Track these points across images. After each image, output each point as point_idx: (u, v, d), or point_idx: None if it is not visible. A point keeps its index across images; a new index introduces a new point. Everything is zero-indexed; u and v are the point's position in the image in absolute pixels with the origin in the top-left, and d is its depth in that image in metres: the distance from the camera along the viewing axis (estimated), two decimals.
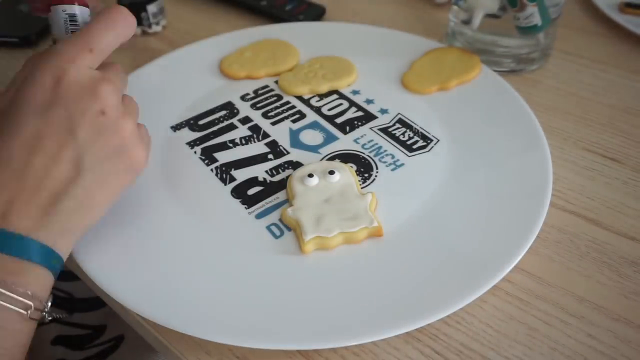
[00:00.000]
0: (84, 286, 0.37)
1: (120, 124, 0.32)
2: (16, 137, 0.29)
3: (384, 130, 0.44)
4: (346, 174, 0.39)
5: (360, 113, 0.46)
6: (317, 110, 0.47)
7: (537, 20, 0.48)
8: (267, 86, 0.49)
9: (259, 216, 0.38)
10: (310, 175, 0.38)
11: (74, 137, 0.30)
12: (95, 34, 0.32)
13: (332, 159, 0.42)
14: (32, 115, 0.30)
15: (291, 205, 0.37)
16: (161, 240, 0.36)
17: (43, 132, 0.30)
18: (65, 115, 0.30)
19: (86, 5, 0.35)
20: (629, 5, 0.59)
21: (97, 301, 0.56)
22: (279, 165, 0.42)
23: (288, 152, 0.43)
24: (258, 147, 0.43)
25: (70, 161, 0.30)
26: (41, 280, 0.29)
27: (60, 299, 0.55)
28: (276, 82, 0.50)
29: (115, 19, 0.33)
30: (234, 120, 0.46)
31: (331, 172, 0.39)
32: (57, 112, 0.30)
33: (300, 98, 0.48)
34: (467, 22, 0.51)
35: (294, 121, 0.46)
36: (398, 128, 0.45)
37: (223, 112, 0.47)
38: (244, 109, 0.47)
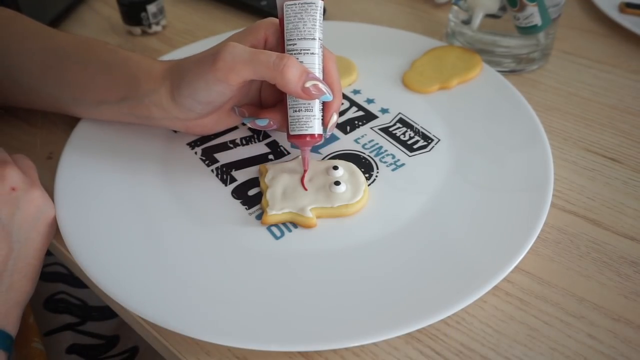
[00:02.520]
0: (94, 290, 0.37)
1: (30, 195, 0.36)
2: None
3: (385, 130, 0.44)
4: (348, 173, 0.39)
5: (360, 113, 0.46)
6: None
7: (537, 20, 0.48)
8: None
9: (259, 217, 0.38)
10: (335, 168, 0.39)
11: None
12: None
13: (332, 158, 0.42)
14: None
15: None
16: (161, 241, 0.36)
17: None
18: None
19: None
20: (629, 5, 0.59)
21: (110, 310, 0.56)
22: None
23: (288, 153, 0.43)
24: (258, 148, 0.43)
25: (2, 241, 0.34)
26: None
27: (74, 306, 0.55)
28: None
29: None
30: None
31: (335, 168, 0.39)
32: None
33: None
34: (467, 22, 0.51)
35: None
36: (399, 128, 0.45)
37: None
38: None
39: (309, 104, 0.37)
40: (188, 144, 0.44)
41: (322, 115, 0.38)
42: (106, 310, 0.56)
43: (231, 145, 0.43)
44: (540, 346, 0.32)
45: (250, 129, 0.45)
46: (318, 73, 0.37)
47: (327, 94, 0.36)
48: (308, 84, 0.35)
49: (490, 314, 0.33)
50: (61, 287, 0.54)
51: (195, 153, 0.43)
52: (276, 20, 0.39)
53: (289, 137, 0.38)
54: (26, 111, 0.49)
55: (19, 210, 0.35)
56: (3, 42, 0.44)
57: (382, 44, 0.54)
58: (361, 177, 0.39)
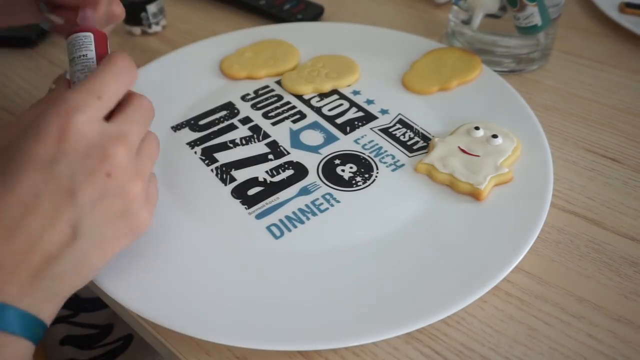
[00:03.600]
0: (88, 285, 0.37)
1: (126, 188, 0.29)
2: (12, 193, 0.26)
3: (385, 131, 0.44)
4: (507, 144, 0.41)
5: (360, 113, 0.46)
6: (318, 110, 0.47)
7: (537, 20, 0.48)
8: (267, 86, 0.49)
9: (259, 216, 0.38)
10: (495, 136, 0.41)
11: (74, 199, 0.27)
12: (104, 81, 0.29)
13: (332, 159, 0.42)
14: (32, 171, 0.27)
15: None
16: (161, 240, 0.36)
17: (41, 190, 0.27)
18: (67, 174, 0.27)
19: (104, 37, 0.34)
20: (629, 5, 0.59)
21: (101, 301, 0.56)
22: (279, 166, 0.42)
23: (288, 153, 0.43)
24: (258, 148, 0.43)
25: (68, 224, 0.27)
26: (19, 353, 0.26)
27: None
28: (277, 82, 0.50)
29: (121, 66, 0.30)
30: (235, 121, 0.46)
31: (494, 136, 0.41)
32: (59, 169, 0.27)
33: (300, 98, 0.48)
34: (467, 22, 0.51)
35: (294, 121, 0.46)
36: (398, 128, 0.45)
37: (223, 113, 0.47)
38: (245, 109, 0.47)
39: None
40: (188, 144, 0.44)
41: None
42: (98, 302, 0.56)
43: (231, 145, 0.43)
44: (540, 346, 0.31)
45: (251, 128, 0.45)
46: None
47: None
48: None
49: (490, 314, 0.33)
50: None
51: (195, 152, 0.43)
52: None
53: None
54: (19, 105, 0.49)
55: (103, 201, 0.28)
56: None
57: (382, 46, 0.54)
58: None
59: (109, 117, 0.29)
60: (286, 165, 0.42)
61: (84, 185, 0.27)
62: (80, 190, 0.27)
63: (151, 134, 0.32)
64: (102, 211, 0.28)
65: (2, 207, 0.26)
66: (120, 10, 0.37)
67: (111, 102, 0.29)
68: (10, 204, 0.26)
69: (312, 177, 0.41)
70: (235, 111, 0.47)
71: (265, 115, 0.46)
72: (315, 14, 0.61)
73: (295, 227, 0.37)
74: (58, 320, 0.54)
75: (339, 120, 0.46)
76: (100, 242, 0.29)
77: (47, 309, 0.28)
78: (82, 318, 0.55)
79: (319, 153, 0.43)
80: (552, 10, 0.48)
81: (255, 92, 0.49)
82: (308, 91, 0.48)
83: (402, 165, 0.41)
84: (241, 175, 0.41)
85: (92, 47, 0.33)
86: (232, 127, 0.45)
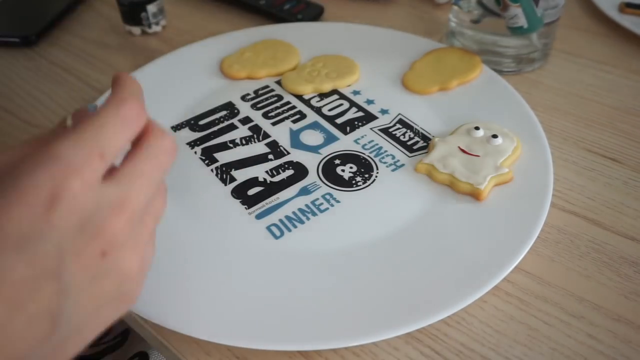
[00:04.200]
0: None
1: (122, 267, 0.24)
2: None
3: (385, 131, 0.44)
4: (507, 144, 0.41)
5: (360, 113, 0.46)
6: (318, 110, 0.47)
7: (522, 22, 0.48)
8: (267, 86, 0.49)
9: (259, 216, 0.38)
10: (495, 136, 0.41)
11: (58, 285, 0.21)
12: (108, 133, 0.23)
13: (332, 159, 0.42)
14: (10, 251, 0.20)
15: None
16: (161, 240, 0.36)
17: (21, 276, 0.21)
18: (53, 254, 0.21)
19: None
20: (629, 5, 0.59)
21: None
22: (279, 166, 0.42)
23: (288, 153, 0.43)
24: (258, 148, 0.43)
25: (48, 316, 0.21)
26: None
27: None
28: (277, 82, 0.50)
29: (130, 115, 0.24)
30: (235, 121, 0.46)
31: (494, 136, 0.41)
32: (45, 248, 0.21)
33: (300, 98, 0.48)
34: (475, 21, 0.51)
35: (294, 121, 0.46)
36: (398, 128, 0.45)
37: (223, 113, 0.47)
38: (245, 109, 0.47)
39: None
40: (188, 144, 0.44)
41: None
42: None
43: (231, 145, 0.43)
44: (540, 346, 0.31)
45: (251, 128, 0.45)
46: None
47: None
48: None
49: (490, 314, 0.33)
50: None
51: (195, 153, 0.43)
52: None
53: None
54: (26, 111, 0.49)
55: (91, 285, 0.23)
56: None
57: (382, 46, 0.54)
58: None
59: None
60: (286, 165, 0.42)
61: (73, 267, 0.22)
62: (67, 273, 0.22)
63: (162, 197, 0.27)
64: (90, 297, 0.23)
65: None
66: None
67: (113, 157, 0.24)
68: None
69: (312, 177, 0.41)
70: (235, 111, 0.47)
71: (265, 115, 0.46)
72: (315, 14, 0.61)
73: (295, 227, 0.37)
74: None
75: (339, 120, 0.46)
76: (82, 329, 0.23)
77: None
78: None
79: (319, 153, 0.43)
80: (550, 12, 0.48)
81: (255, 92, 0.49)
82: (308, 91, 0.48)
83: (402, 165, 0.41)
84: (241, 175, 0.41)
85: None
86: (232, 127, 0.45)
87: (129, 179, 0.24)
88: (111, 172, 0.24)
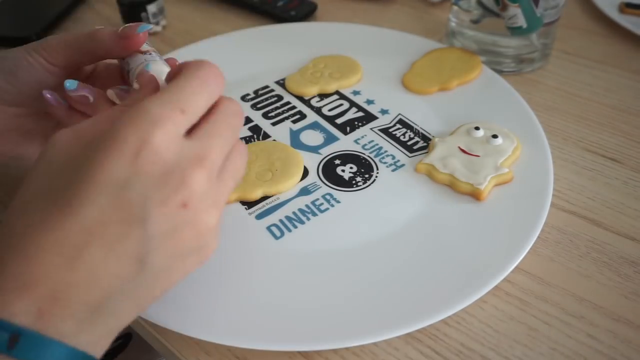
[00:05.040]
0: None
1: (202, 220, 0.26)
2: (76, 218, 0.23)
3: (385, 131, 0.44)
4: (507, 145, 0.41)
5: (360, 113, 0.46)
6: (318, 110, 0.47)
7: (521, 22, 0.48)
8: (267, 86, 0.49)
9: (259, 217, 0.38)
10: (495, 137, 0.41)
11: (144, 231, 0.24)
12: (189, 91, 0.26)
13: (332, 159, 0.42)
14: (100, 194, 0.23)
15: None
16: None
17: (109, 217, 0.23)
18: (139, 201, 0.24)
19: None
20: (629, 5, 0.59)
21: None
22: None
23: None
24: None
25: (134, 257, 0.24)
26: None
27: None
28: (277, 82, 0.50)
29: (208, 74, 0.27)
30: None
31: (494, 136, 0.41)
32: (130, 195, 0.24)
33: (300, 98, 0.48)
34: (475, 21, 0.51)
35: (294, 122, 0.46)
36: (398, 129, 0.45)
37: None
38: (245, 110, 0.47)
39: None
40: None
41: None
42: None
43: None
44: (540, 346, 0.32)
45: (251, 128, 0.45)
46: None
47: (142, 25, 0.33)
48: (121, 29, 0.33)
49: (490, 314, 0.33)
50: None
51: None
52: None
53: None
54: None
55: (173, 233, 0.25)
56: None
57: (382, 46, 0.54)
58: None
59: (190, 129, 0.26)
60: None
61: (157, 215, 0.24)
62: (151, 220, 0.24)
63: (238, 145, 0.29)
64: (172, 245, 0.25)
65: (64, 233, 0.23)
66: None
67: (195, 117, 0.26)
68: (73, 230, 0.23)
69: (312, 177, 0.41)
70: None
71: (265, 116, 0.46)
72: (308, 11, 0.61)
73: (295, 227, 0.37)
74: None
75: (339, 121, 0.46)
76: (166, 275, 0.26)
77: (101, 345, 0.25)
78: None
79: (319, 153, 0.43)
80: (550, 12, 0.48)
81: (255, 92, 0.49)
82: (313, 92, 0.48)
83: (402, 165, 0.41)
84: None
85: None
86: None
87: (207, 136, 0.26)
88: (191, 131, 0.26)
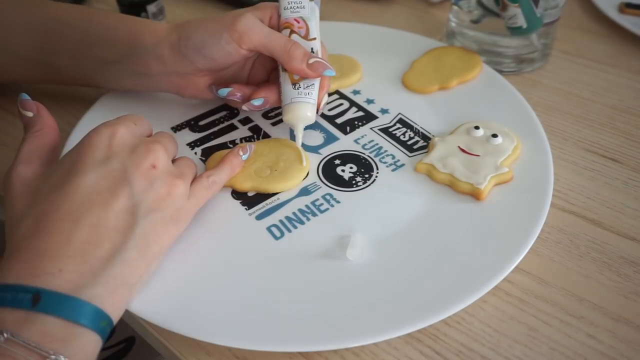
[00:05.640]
0: None
1: (169, 180, 0.33)
2: (75, 190, 0.30)
3: (385, 131, 0.44)
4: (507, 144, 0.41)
5: (360, 113, 0.46)
6: None
7: (521, 22, 0.48)
8: None
9: (259, 217, 0.38)
10: (495, 136, 0.41)
11: (129, 188, 0.31)
12: (135, 118, 0.35)
13: (332, 159, 0.42)
14: (90, 170, 0.31)
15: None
16: None
17: (100, 184, 0.30)
18: (120, 167, 0.31)
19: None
20: (629, 5, 0.59)
21: None
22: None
23: None
24: None
25: (126, 211, 0.31)
26: (89, 347, 0.28)
27: None
28: None
29: (141, 117, 0.36)
30: (235, 121, 0.46)
31: (494, 135, 0.41)
32: (113, 165, 0.31)
33: None
34: (475, 21, 0.51)
35: None
36: (398, 128, 0.45)
37: (223, 113, 0.47)
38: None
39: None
40: (188, 144, 0.44)
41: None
42: None
43: (231, 146, 0.43)
44: (540, 346, 0.32)
45: (251, 128, 0.45)
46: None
47: (330, 68, 0.40)
48: (312, 61, 0.39)
49: (490, 314, 0.33)
50: None
51: (195, 153, 0.43)
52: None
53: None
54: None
55: (151, 188, 0.32)
56: None
57: (382, 45, 0.54)
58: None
59: None
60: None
61: (136, 175, 0.32)
62: (133, 179, 0.31)
63: (186, 158, 0.37)
64: (152, 198, 0.32)
65: (68, 204, 0.29)
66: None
67: (142, 130, 0.35)
68: (74, 200, 0.30)
69: (312, 178, 0.41)
70: (235, 111, 0.47)
71: (265, 116, 0.46)
72: None
73: (295, 227, 0.37)
74: None
75: (338, 120, 0.46)
76: (154, 228, 0.32)
77: (115, 301, 0.29)
78: None
79: (319, 153, 0.43)
80: (550, 12, 0.48)
81: None
82: None
83: (402, 165, 0.41)
84: None
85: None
86: (232, 128, 0.45)
87: (155, 136, 0.36)
88: None
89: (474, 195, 0.38)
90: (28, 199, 0.31)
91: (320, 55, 0.41)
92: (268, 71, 0.44)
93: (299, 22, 0.41)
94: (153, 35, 0.41)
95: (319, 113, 0.43)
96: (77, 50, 0.42)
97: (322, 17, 0.62)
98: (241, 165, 0.39)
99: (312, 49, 0.41)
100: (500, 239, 0.35)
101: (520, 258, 0.34)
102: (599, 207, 0.40)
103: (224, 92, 0.42)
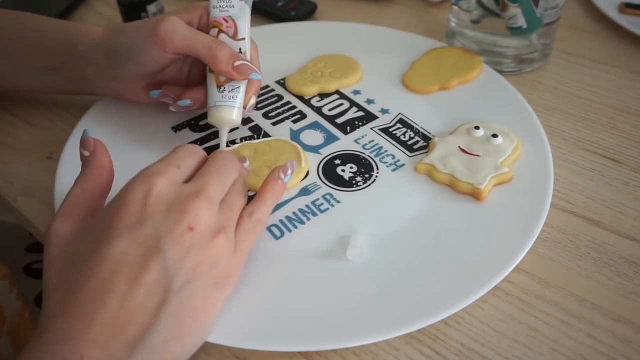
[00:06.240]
0: None
1: (211, 240, 0.29)
2: (101, 261, 0.26)
3: (385, 131, 0.44)
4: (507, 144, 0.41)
5: (360, 113, 0.46)
6: (318, 110, 0.47)
7: (521, 22, 0.48)
8: (267, 86, 0.49)
9: None
10: (495, 136, 0.41)
11: (161, 258, 0.27)
12: (180, 156, 0.32)
13: (332, 159, 0.42)
14: (118, 237, 0.27)
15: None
16: None
17: (128, 253, 0.27)
18: (151, 233, 0.27)
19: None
20: (629, 5, 0.59)
21: None
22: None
23: None
24: None
25: (158, 285, 0.27)
26: None
27: None
28: (277, 82, 0.50)
29: (194, 148, 0.33)
30: None
31: (494, 135, 0.41)
32: (144, 231, 0.27)
33: (301, 98, 0.48)
34: (475, 21, 0.51)
35: (294, 121, 0.46)
36: (399, 128, 0.45)
37: None
38: None
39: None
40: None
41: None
42: None
43: (231, 145, 0.43)
44: (540, 346, 0.32)
45: (251, 128, 0.45)
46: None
47: (256, 72, 0.39)
48: (237, 63, 0.39)
49: (490, 314, 0.33)
50: None
51: None
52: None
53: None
54: (26, 111, 0.49)
55: (188, 255, 0.28)
56: None
57: (382, 45, 0.54)
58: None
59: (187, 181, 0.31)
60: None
61: (169, 242, 0.27)
62: (166, 248, 0.27)
63: (236, 185, 0.33)
64: (191, 267, 0.28)
65: (93, 279, 0.26)
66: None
67: (188, 170, 0.32)
68: (100, 273, 0.26)
69: (312, 177, 0.41)
70: None
71: (266, 115, 0.46)
72: (308, 11, 0.61)
73: (295, 227, 0.37)
74: None
75: (339, 120, 0.46)
76: (191, 300, 0.28)
77: None
78: None
79: (319, 153, 0.43)
80: (550, 12, 0.48)
81: None
82: (314, 92, 0.48)
83: (403, 165, 0.41)
84: None
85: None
86: (234, 127, 0.45)
87: (199, 177, 0.31)
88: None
89: (474, 195, 0.38)
90: (61, 265, 0.28)
91: (249, 56, 0.41)
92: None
93: (227, 22, 0.41)
94: (86, 40, 0.41)
95: (246, 115, 0.44)
96: (14, 54, 0.42)
97: (323, 18, 0.62)
98: (284, 189, 0.35)
99: (240, 49, 0.40)
100: (500, 238, 0.35)
101: (520, 258, 0.34)
102: (599, 207, 0.40)
103: (154, 93, 0.42)
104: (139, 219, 0.28)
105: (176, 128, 0.45)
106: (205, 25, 0.42)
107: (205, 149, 0.43)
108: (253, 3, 0.61)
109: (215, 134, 0.44)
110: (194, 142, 0.44)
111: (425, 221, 0.37)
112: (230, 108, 0.40)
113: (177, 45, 0.38)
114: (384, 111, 0.46)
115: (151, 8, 0.58)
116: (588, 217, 0.39)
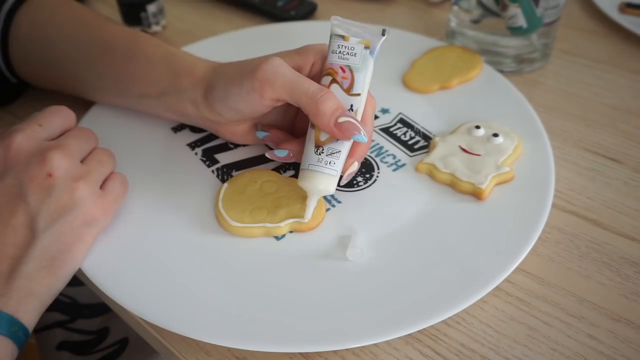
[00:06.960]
0: (88, 291, 0.37)
1: (71, 185, 0.33)
2: None
3: (385, 130, 0.44)
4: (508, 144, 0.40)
5: None
6: None
7: (521, 22, 0.48)
8: None
9: None
10: (496, 135, 0.41)
11: (25, 202, 0.31)
12: (45, 115, 0.35)
13: None
14: None
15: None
16: (161, 242, 0.36)
17: None
18: (14, 183, 0.32)
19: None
20: (629, 5, 0.59)
21: (100, 308, 0.57)
22: (280, 167, 0.42)
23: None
24: (259, 149, 0.43)
25: (25, 226, 0.31)
26: (1, 352, 0.29)
27: (64, 304, 0.56)
28: None
29: (62, 110, 0.36)
30: None
31: (495, 135, 0.41)
32: (7, 182, 0.32)
33: None
34: (475, 21, 0.51)
35: None
36: (399, 128, 0.45)
37: None
38: None
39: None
40: (188, 145, 0.44)
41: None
42: (97, 308, 0.56)
43: (232, 146, 0.43)
44: (540, 346, 0.32)
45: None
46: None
47: (361, 134, 0.34)
48: (342, 120, 0.33)
49: (490, 314, 0.33)
50: None
51: (196, 154, 0.43)
52: (326, 48, 0.38)
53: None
54: (27, 111, 0.49)
55: (49, 198, 0.32)
56: (53, 29, 0.44)
57: (381, 44, 0.53)
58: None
59: None
60: (287, 166, 0.42)
61: (31, 188, 0.32)
62: (28, 193, 0.32)
63: (101, 150, 0.36)
64: (52, 208, 0.32)
65: None
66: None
67: (50, 129, 0.35)
68: None
69: None
70: None
71: None
72: (308, 11, 0.61)
73: None
74: (55, 325, 0.54)
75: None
76: (59, 237, 0.32)
77: (25, 309, 0.30)
78: (79, 324, 0.56)
79: None
80: (550, 12, 0.48)
81: None
82: None
83: (403, 165, 0.41)
84: None
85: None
86: None
87: (63, 138, 0.35)
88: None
89: (475, 194, 0.38)
90: None
91: (360, 116, 0.35)
92: None
93: (344, 71, 0.35)
94: (190, 77, 0.39)
95: (343, 183, 0.37)
96: (121, 77, 0.42)
97: (323, 18, 0.62)
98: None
99: (351, 106, 0.35)
100: (502, 239, 0.35)
101: (522, 258, 0.34)
102: (600, 207, 0.40)
103: (261, 134, 0.39)
104: (1, 172, 0.32)
105: (176, 129, 0.45)
106: (318, 73, 0.37)
107: (205, 148, 0.43)
108: (253, 3, 0.62)
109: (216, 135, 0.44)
110: (194, 142, 0.44)
111: (426, 221, 0.37)
112: (325, 175, 0.34)
113: (277, 90, 0.34)
114: (385, 111, 0.46)
115: (151, 8, 0.58)
116: (588, 217, 0.39)
